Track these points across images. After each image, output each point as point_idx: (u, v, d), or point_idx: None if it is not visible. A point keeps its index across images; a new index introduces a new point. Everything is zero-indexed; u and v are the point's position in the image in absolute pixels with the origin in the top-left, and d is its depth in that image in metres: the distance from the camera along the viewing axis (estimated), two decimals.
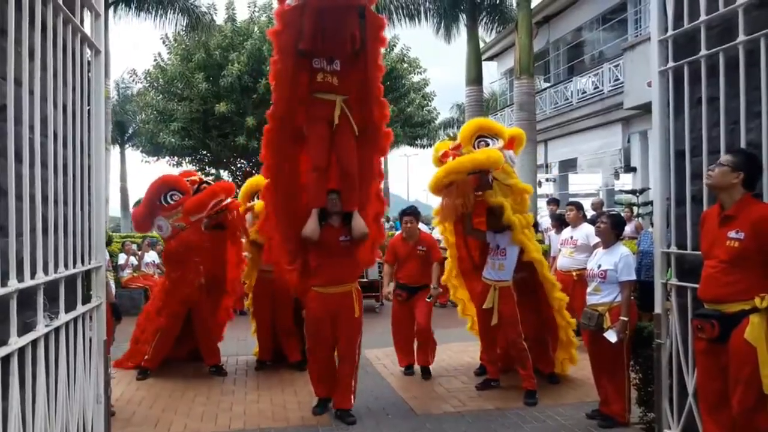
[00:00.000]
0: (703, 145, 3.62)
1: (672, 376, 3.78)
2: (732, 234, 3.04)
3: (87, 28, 3.07)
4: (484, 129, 5.32)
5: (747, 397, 2.89)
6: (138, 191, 40.87)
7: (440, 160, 5.35)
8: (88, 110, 3.03)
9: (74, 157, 2.78)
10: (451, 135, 6.11)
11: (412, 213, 5.98)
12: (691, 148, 3.77)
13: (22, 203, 2.10)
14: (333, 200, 4.71)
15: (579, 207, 7.11)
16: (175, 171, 21.55)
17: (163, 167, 21.42)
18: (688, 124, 3.78)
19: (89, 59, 3.11)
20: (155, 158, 22.22)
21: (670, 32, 3.90)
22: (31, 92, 2.27)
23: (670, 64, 3.90)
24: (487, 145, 5.17)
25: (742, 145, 3.33)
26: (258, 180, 6.12)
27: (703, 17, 3.58)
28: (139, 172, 76.53)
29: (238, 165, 21.85)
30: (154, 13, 13.66)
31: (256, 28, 19.58)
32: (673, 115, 3.94)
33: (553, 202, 10.11)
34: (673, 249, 3.85)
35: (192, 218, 5.74)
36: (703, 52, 3.59)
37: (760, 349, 2.84)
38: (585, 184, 17.73)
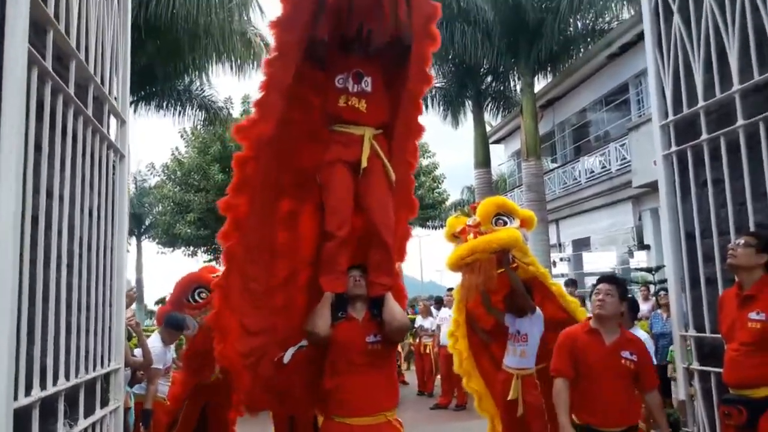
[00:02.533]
0: (713, 227, 3.66)
1: None
2: (753, 315, 3.01)
3: (112, 134, 3.24)
4: (501, 207, 5.42)
5: None
6: (154, 283, 41.05)
7: (456, 236, 5.38)
8: (112, 213, 3.14)
9: (97, 259, 2.86)
10: (466, 210, 6.23)
11: (612, 281, 3.53)
12: (701, 230, 3.81)
13: (48, 308, 2.16)
14: (356, 280, 3.24)
15: None
16: (191, 261, 21.83)
17: (179, 258, 21.71)
18: (696, 206, 3.83)
19: (114, 163, 3.26)
20: (171, 249, 22.53)
21: (670, 117, 4.03)
22: (61, 199, 2.38)
23: (673, 148, 4.00)
24: (506, 223, 5.25)
25: (751, 226, 3.37)
26: None
27: (701, 103, 3.72)
28: (155, 263, 76.61)
29: None
30: (173, 109, 14.27)
31: None
32: (681, 197, 4.00)
33: (571, 283, 9.95)
34: (692, 332, 3.80)
35: None
36: (704, 136, 3.70)
37: None
38: (600, 263, 17.62)
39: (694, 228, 3.84)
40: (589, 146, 18.70)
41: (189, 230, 20.01)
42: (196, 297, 5.57)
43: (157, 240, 23.53)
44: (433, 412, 8.82)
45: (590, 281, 15.49)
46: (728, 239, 3.45)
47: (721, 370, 3.22)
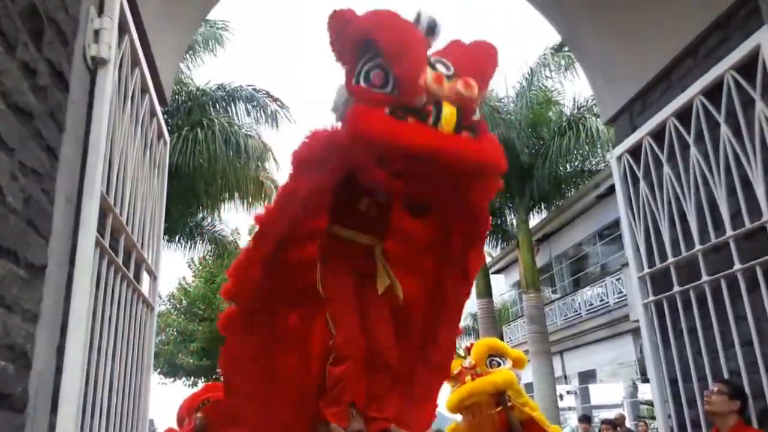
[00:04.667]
0: (692, 373, 3.94)
1: None
2: None
3: (145, 288, 3.65)
4: (494, 349, 5.73)
5: None
6: (156, 416, 39.76)
7: (453, 378, 5.62)
8: (141, 359, 3.47)
9: (127, 403, 3.15)
10: (461, 353, 6.37)
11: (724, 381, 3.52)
12: (682, 375, 4.09)
13: None
14: (352, 414, 2.85)
15: (614, 426, 7.14)
16: (191, 391, 21.53)
17: (180, 389, 21.40)
18: (676, 353, 4.14)
19: (145, 315, 3.63)
20: (172, 380, 22.25)
21: (645, 270, 4.46)
22: (106, 354, 2.73)
23: (651, 297, 4.39)
24: (499, 365, 5.51)
25: (725, 373, 3.67)
26: None
27: (670, 259, 4.15)
28: (155, 395, 74.11)
29: None
30: (184, 243, 14.88)
31: None
32: (662, 344, 4.32)
33: (585, 419, 9.83)
34: None
35: None
36: (676, 288, 4.10)
37: None
38: (607, 395, 17.37)
39: (676, 373, 4.12)
40: (588, 278, 19.09)
41: (192, 360, 19.96)
42: None
43: (158, 370, 23.27)
44: None
45: (597, 414, 15.22)
46: (707, 385, 3.73)
47: None
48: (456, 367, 5.73)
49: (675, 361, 4.14)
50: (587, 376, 18.90)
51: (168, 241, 15.24)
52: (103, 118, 2.47)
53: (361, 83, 2.28)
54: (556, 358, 18.30)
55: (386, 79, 2.22)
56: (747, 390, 3.45)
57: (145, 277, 3.72)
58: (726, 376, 3.64)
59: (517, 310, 23.70)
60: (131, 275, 3.12)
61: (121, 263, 2.87)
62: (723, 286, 3.71)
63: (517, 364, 5.70)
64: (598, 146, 13.70)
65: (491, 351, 5.70)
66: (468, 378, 5.43)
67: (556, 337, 18.13)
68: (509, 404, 5.29)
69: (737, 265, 3.57)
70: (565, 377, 19.68)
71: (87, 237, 2.31)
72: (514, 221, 16.66)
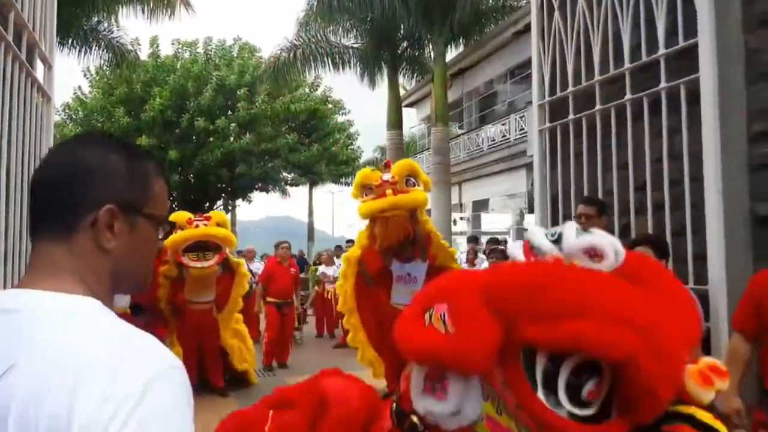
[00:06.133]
0: (572, 192, 4.38)
1: None
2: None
3: (39, 76, 3.44)
4: (412, 171, 6.05)
5: None
6: None
7: (369, 188, 5.88)
8: (39, 150, 3.38)
9: (23, 191, 3.12)
10: (380, 166, 6.62)
11: None
12: (563, 194, 4.53)
13: None
14: None
15: (497, 242, 7.99)
16: None
17: None
18: (561, 175, 4.55)
19: (41, 104, 3.46)
20: None
21: (546, 98, 4.70)
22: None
23: (547, 124, 4.68)
24: (414, 184, 5.86)
25: (600, 192, 4.11)
26: (177, 216, 6.34)
27: (570, 89, 4.39)
28: None
29: None
30: (78, 48, 13.65)
31: (179, 64, 20.05)
32: (550, 168, 4.71)
33: (473, 239, 11.20)
34: None
35: None
36: (571, 116, 4.38)
37: None
38: (496, 223, 18.90)
39: (558, 191, 4.56)
40: (494, 115, 19.72)
41: None
42: None
43: None
44: (335, 350, 9.48)
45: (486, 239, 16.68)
46: None
47: None
48: (375, 178, 5.96)
49: (559, 181, 4.56)
50: (481, 205, 20.31)
51: (59, 43, 13.93)
52: None
53: (565, 404, 1.29)
54: (455, 188, 19.38)
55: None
56: (615, 208, 3.91)
57: (40, 66, 3.50)
58: (600, 195, 4.08)
59: (425, 143, 24.38)
60: (24, 57, 2.92)
61: (9, 38, 2.67)
62: (612, 114, 4.01)
63: (426, 187, 6.06)
64: None
65: (410, 172, 6.01)
66: (389, 191, 5.70)
67: (458, 168, 19.02)
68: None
69: (628, 95, 3.84)
70: (461, 205, 21.04)
71: None
72: (432, 54, 16.48)
